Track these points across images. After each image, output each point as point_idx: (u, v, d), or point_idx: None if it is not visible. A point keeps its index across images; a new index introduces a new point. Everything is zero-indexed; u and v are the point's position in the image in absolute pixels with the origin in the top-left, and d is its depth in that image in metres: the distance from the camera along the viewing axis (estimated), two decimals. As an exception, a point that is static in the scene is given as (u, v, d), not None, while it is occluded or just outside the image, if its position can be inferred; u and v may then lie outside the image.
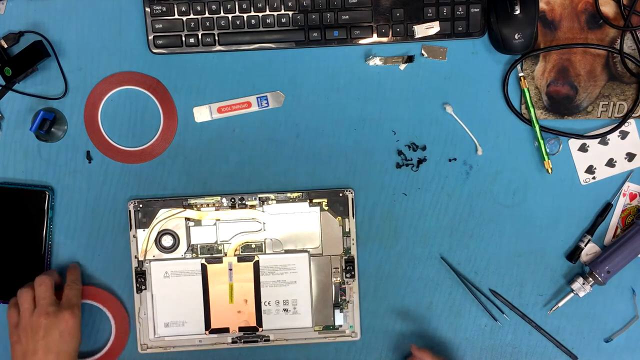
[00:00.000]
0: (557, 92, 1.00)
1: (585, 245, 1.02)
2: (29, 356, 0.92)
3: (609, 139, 1.01)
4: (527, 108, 1.00)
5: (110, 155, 1.02)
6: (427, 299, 1.04)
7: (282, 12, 0.98)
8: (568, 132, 1.01)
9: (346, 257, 1.02)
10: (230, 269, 1.02)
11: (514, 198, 1.02)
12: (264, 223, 1.02)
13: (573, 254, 1.02)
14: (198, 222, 1.02)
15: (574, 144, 1.02)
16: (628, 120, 1.01)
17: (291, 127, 1.02)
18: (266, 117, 1.01)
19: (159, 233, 1.01)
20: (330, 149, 1.02)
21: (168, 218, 1.01)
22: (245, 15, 0.98)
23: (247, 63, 1.01)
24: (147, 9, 0.98)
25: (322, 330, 1.03)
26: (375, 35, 0.99)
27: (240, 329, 1.03)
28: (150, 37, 0.98)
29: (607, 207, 1.02)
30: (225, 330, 1.03)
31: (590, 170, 1.02)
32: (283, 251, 1.02)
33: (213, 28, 0.98)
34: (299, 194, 1.01)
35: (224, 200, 1.01)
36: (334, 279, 1.02)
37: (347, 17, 0.98)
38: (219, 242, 1.02)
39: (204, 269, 1.02)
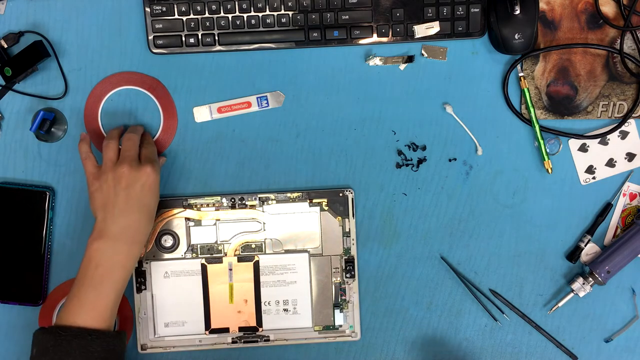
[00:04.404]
0: (557, 92, 1.00)
1: (585, 245, 1.02)
2: (110, 205, 0.91)
3: (609, 139, 1.01)
4: (527, 108, 1.00)
5: (110, 155, 1.02)
6: (427, 299, 1.04)
7: (282, 12, 0.98)
8: (568, 132, 1.01)
9: (346, 257, 1.02)
10: (230, 269, 1.02)
11: (514, 198, 1.02)
12: (264, 223, 1.02)
13: (573, 254, 1.02)
14: (198, 222, 1.01)
15: (574, 144, 1.02)
16: (628, 120, 1.01)
17: (291, 127, 1.02)
18: (266, 117, 1.01)
19: (159, 233, 1.01)
20: (330, 149, 1.02)
21: (168, 218, 1.01)
22: (245, 15, 0.98)
23: (247, 63, 1.01)
24: (147, 9, 0.98)
25: (322, 330, 1.03)
26: (375, 35, 0.99)
27: (240, 329, 1.03)
28: (150, 37, 0.98)
29: (607, 207, 1.02)
30: (225, 330, 1.03)
31: (590, 170, 1.02)
32: (283, 251, 1.02)
33: (213, 28, 0.98)
34: (299, 194, 1.01)
35: (224, 200, 1.01)
36: (334, 279, 1.02)
37: (347, 17, 0.98)
38: (219, 242, 1.02)
39: (204, 269, 1.02)
